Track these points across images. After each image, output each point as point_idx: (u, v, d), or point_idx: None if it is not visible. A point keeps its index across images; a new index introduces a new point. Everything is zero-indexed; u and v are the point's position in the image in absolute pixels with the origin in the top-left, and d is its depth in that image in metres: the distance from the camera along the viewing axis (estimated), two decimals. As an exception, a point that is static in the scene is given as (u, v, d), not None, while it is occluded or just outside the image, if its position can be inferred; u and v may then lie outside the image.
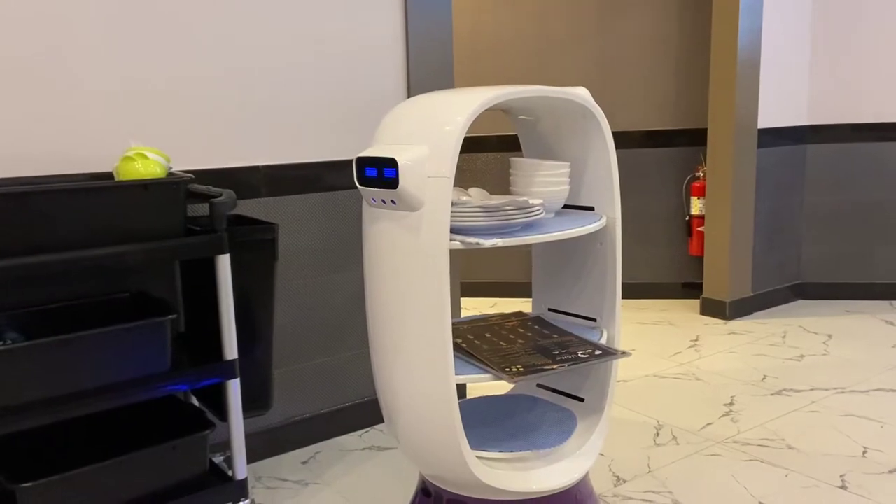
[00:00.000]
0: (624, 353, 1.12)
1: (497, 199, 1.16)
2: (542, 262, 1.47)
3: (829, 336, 3.27)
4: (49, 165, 1.83)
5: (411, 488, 2.03)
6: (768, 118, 3.55)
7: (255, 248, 1.90)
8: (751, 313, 3.65)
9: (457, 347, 1.19)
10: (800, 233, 3.80)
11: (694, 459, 2.17)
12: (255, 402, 1.95)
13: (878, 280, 3.75)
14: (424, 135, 1.13)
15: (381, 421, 2.48)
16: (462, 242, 1.11)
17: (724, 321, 3.55)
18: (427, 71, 2.42)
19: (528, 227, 1.19)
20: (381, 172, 1.12)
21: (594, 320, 1.39)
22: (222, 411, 1.83)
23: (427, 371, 1.12)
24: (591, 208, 1.36)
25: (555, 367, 1.19)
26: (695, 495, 1.96)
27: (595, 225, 1.25)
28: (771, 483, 2.02)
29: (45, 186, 1.56)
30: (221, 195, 1.74)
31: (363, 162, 1.16)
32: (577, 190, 1.38)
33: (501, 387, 2.52)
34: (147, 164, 1.67)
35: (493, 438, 1.25)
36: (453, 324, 1.32)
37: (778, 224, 3.71)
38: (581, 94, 1.30)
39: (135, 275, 1.93)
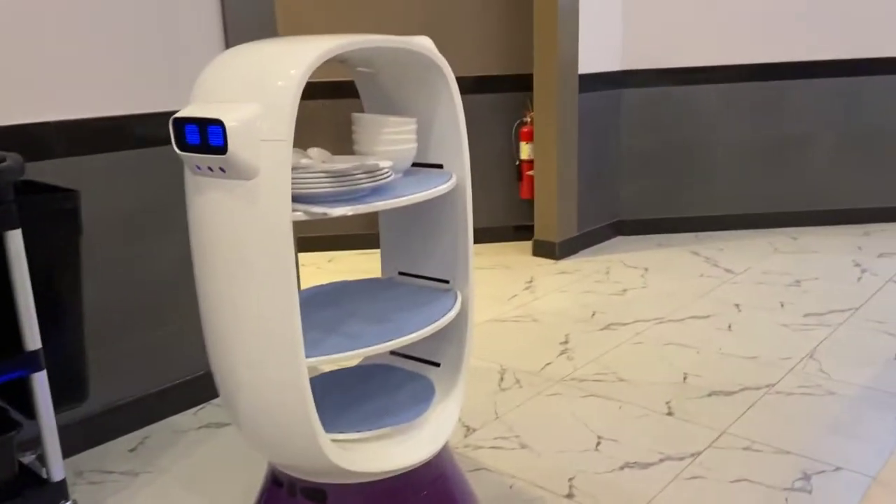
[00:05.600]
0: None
1: (342, 162, 1.06)
2: (390, 225, 1.38)
3: (646, 269, 3.52)
4: None
5: (256, 468, 1.91)
6: (588, 64, 3.67)
7: (54, 219, 1.64)
8: (577, 252, 3.83)
9: None
10: (619, 173, 4.02)
11: (537, 401, 2.25)
12: (68, 393, 1.71)
13: (686, 214, 4.08)
14: (254, 91, 0.99)
15: (216, 395, 2.31)
16: (306, 213, 0.99)
17: (554, 261, 3.70)
18: (246, 16, 2.20)
19: (376, 191, 1.10)
20: (206, 135, 0.97)
21: (447, 282, 1.34)
22: (30, 408, 1.58)
23: (273, 353, 1.01)
24: (440, 166, 1.29)
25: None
26: (540, 436, 2.03)
27: (446, 185, 1.18)
28: (607, 416, 2.14)
29: None
30: (5, 160, 1.46)
31: (182, 122, 0.99)
32: (423, 147, 1.30)
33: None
34: None
35: (348, 418, 1.17)
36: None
37: (599, 165, 3.89)
38: (425, 44, 1.21)
39: None
